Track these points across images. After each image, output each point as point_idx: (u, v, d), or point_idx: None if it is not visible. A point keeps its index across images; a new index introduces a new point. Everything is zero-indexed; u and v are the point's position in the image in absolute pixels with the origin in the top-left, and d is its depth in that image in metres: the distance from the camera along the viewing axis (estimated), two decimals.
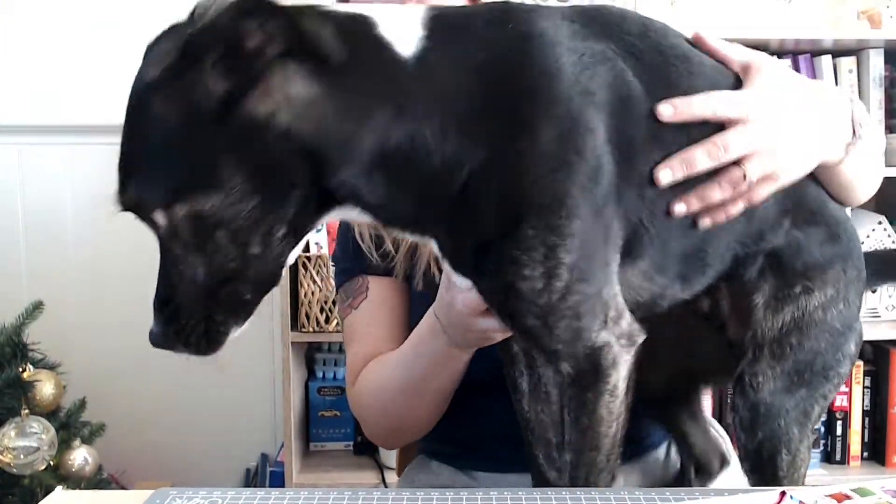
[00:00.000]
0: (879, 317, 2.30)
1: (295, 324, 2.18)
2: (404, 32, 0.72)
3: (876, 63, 2.26)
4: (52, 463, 1.90)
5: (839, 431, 2.29)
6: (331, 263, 2.14)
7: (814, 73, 2.29)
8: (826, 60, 2.28)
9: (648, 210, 0.77)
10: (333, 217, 0.75)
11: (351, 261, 1.13)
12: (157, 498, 0.72)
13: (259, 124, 0.66)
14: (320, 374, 2.43)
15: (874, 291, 2.28)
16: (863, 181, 0.94)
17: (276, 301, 2.18)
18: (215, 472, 2.51)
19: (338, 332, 2.15)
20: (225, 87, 0.65)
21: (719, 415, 2.22)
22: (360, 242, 1.09)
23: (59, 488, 0.79)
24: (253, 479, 2.52)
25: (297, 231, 0.72)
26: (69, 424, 2.01)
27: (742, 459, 0.90)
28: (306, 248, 2.18)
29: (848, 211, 0.97)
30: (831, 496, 0.68)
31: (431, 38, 0.72)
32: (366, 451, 2.35)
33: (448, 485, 1.10)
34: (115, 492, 1.72)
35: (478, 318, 0.86)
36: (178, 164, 0.67)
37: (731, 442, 1.14)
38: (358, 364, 1.09)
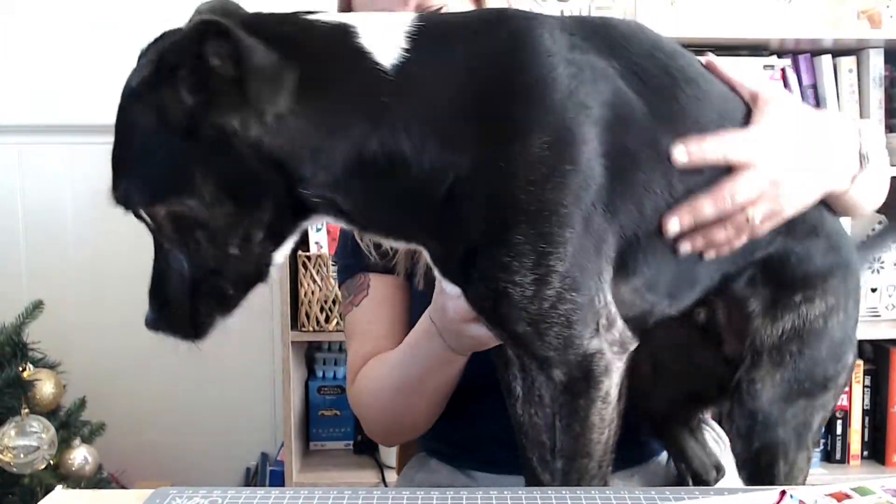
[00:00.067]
0: (879, 316, 2.29)
1: (295, 323, 2.18)
2: (386, 41, 0.72)
3: (876, 63, 2.26)
4: (52, 462, 1.90)
5: (839, 431, 2.29)
6: (331, 263, 2.14)
7: (814, 73, 2.30)
8: (826, 60, 2.28)
9: (645, 228, 0.77)
10: (314, 222, 0.77)
11: (352, 258, 1.13)
12: (157, 497, 0.72)
13: (227, 136, 0.68)
14: (320, 374, 2.43)
15: (874, 291, 2.29)
16: (868, 201, 0.95)
17: (276, 301, 2.18)
18: (215, 472, 2.51)
19: (338, 331, 2.15)
20: (193, 101, 0.67)
21: (720, 417, 2.21)
22: (360, 241, 1.09)
23: (58, 487, 0.79)
24: (253, 478, 2.52)
25: (277, 235, 0.74)
26: (69, 424, 2.01)
27: (739, 468, 0.89)
28: (306, 248, 2.18)
29: None
30: (831, 495, 0.68)
31: (415, 46, 0.72)
32: (366, 450, 2.35)
33: (446, 484, 1.10)
34: (115, 491, 1.72)
35: (468, 324, 0.87)
36: (156, 168, 0.70)
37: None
38: (357, 362, 1.09)
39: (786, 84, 2.27)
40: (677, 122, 0.78)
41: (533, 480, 0.93)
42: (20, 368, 1.90)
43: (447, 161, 0.72)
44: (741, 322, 0.87)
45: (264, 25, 0.71)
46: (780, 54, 2.27)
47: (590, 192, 0.73)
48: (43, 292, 2.06)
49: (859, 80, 2.29)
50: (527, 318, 0.74)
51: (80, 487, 1.91)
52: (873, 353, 2.33)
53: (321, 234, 2.19)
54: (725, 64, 0.86)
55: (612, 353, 0.77)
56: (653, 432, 1.08)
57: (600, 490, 0.74)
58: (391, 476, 2.16)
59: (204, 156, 0.69)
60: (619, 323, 0.78)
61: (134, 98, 0.70)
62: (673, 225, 0.77)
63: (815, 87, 2.30)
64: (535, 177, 0.71)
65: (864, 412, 2.30)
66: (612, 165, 0.74)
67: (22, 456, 1.84)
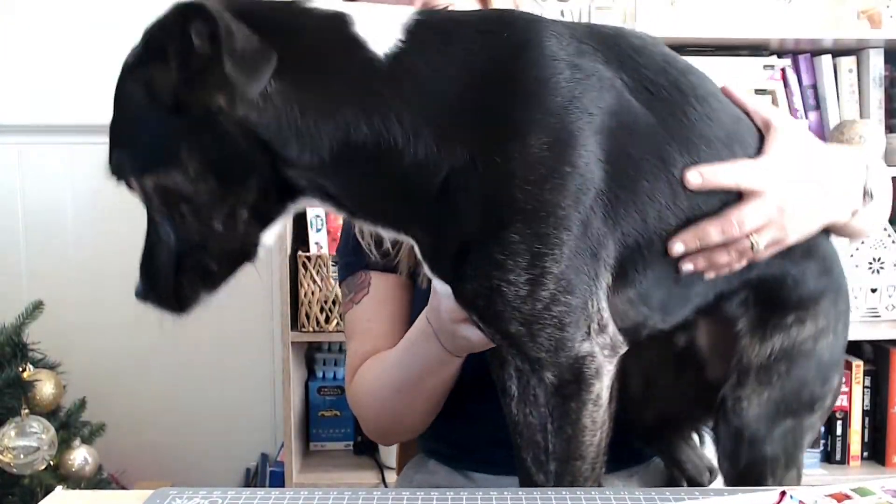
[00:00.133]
0: (879, 317, 2.29)
1: (295, 324, 2.17)
2: (382, 32, 0.73)
3: (876, 63, 2.26)
4: (52, 463, 1.90)
5: (839, 431, 2.29)
6: (331, 263, 2.14)
7: (814, 73, 2.30)
8: (826, 60, 2.28)
9: (648, 237, 0.78)
10: (302, 204, 0.78)
11: (353, 256, 1.13)
12: (157, 498, 0.72)
13: (213, 113, 0.69)
14: (320, 374, 2.43)
15: (874, 291, 2.28)
16: (866, 229, 0.96)
17: (275, 301, 2.18)
18: (215, 472, 2.51)
19: (338, 331, 2.15)
20: (179, 77, 0.69)
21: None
22: (360, 239, 1.09)
23: (58, 488, 0.79)
24: (253, 478, 2.52)
25: (263, 215, 0.75)
26: (69, 424, 2.01)
27: (727, 486, 0.88)
28: (306, 248, 2.18)
29: None
30: (831, 496, 0.68)
31: (412, 39, 0.73)
32: (366, 450, 2.35)
33: (444, 485, 1.10)
34: (115, 492, 1.72)
35: (460, 325, 0.87)
36: (146, 141, 0.72)
37: None
38: (357, 361, 1.09)
39: (786, 84, 2.28)
40: (685, 136, 0.78)
41: (527, 481, 0.93)
42: (20, 369, 1.90)
43: (443, 152, 0.72)
44: (727, 341, 0.87)
45: (256, 11, 0.72)
46: (780, 54, 2.27)
47: (588, 195, 0.73)
48: (43, 292, 2.06)
49: (859, 80, 2.29)
50: (520, 318, 0.74)
51: (80, 488, 1.91)
52: (873, 353, 2.33)
53: (321, 234, 2.18)
54: (740, 90, 0.87)
55: (604, 356, 0.78)
56: (642, 443, 1.08)
57: (600, 491, 0.74)
58: (391, 477, 2.16)
59: (190, 131, 0.70)
60: (611, 327, 0.79)
61: (127, 72, 0.72)
62: (678, 247, 0.78)
63: (815, 87, 2.30)
64: (534, 177, 0.71)
65: (864, 413, 2.30)
66: (615, 172, 0.74)
67: (22, 456, 1.84)
